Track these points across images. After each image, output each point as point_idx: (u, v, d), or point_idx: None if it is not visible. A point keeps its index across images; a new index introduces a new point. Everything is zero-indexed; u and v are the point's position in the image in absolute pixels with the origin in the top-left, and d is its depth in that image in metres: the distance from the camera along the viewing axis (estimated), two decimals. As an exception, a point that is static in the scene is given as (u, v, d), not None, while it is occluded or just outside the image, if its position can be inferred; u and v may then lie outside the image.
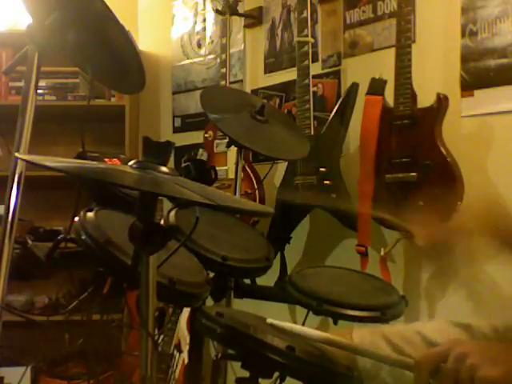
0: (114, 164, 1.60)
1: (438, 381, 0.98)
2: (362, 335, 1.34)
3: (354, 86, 2.33)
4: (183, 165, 1.81)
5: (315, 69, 2.52)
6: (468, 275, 1.23)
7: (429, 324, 1.39)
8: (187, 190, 0.95)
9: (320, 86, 2.60)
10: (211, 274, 1.52)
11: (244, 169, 2.57)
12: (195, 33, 3.28)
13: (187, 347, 2.43)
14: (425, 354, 1.03)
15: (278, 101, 2.80)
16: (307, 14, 2.41)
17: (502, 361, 0.96)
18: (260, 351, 1.03)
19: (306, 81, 2.39)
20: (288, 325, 1.10)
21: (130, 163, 1.00)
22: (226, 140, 1.98)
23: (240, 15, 2.93)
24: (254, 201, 2.52)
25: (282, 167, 2.54)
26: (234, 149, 2.05)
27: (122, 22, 1.37)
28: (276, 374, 1.08)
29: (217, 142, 2.84)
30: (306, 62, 2.40)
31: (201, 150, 3.08)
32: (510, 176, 2.04)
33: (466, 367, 0.95)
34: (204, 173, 1.78)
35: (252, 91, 2.91)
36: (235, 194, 2.05)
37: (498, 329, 1.25)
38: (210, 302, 1.50)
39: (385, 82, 2.16)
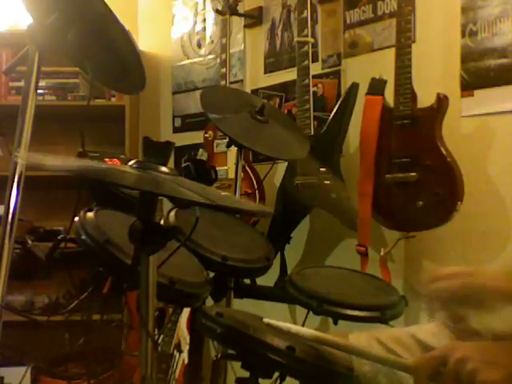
0: (114, 164, 1.60)
1: None
2: (357, 339, 1.34)
3: (354, 86, 2.33)
4: (183, 165, 1.81)
5: (315, 69, 2.52)
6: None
7: (423, 327, 1.39)
8: (187, 189, 0.95)
9: (320, 85, 2.60)
10: (211, 274, 1.52)
11: (244, 169, 2.57)
12: (195, 33, 3.28)
13: (187, 347, 2.43)
14: (424, 356, 1.03)
15: (277, 101, 2.80)
16: (307, 14, 2.41)
17: (501, 364, 0.96)
18: (260, 351, 1.03)
19: (306, 81, 2.39)
20: (284, 324, 1.10)
21: (130, 163, 1.00)
22: (226, 140, 1.98)
23: (240, 15, 2.93)
24: (254, 201, 2.52)
25: (282, 167, 2.54)
26: (234, 149, 2.05)
27: (122, 21, 1.37)
28: (276, 374, 1.08)
29: (217, 141, 2.84)
30: (306, 62, 2.40)
31: (201, 149, 3.08)
32: (510, 176, 2.04)
33: (466, 371, 0.94)
34: (204, 173, 1.78)
35: (252, 91, 2.91)
36: (235, 193, 2.05)
37: (495, 330, 1.25)
38: (210, 302, 1.50)
39: (385, 82, 2.16)
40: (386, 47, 2.36)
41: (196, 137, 3.07)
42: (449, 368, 0.96)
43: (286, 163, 2.49)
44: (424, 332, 1.33)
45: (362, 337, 1.35)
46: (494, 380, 0.93)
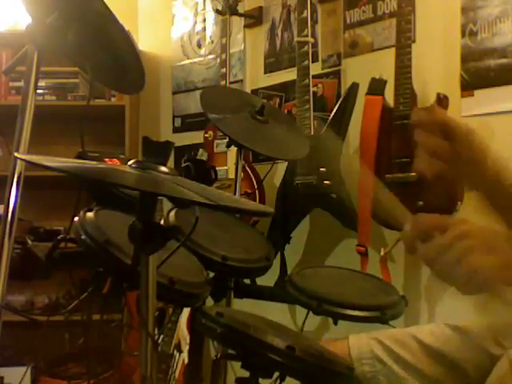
0: (114, 164, 1.60)
1: (424, 247, 0.90)
2: (357, 340, 1.34)
3: (354, 86, 2.33)
4: (183, 165, 1.81)
5: (315, 69, 2.52)
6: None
7: (424, 328, 1.39)
8: (187, 189, 0.95)
9: (320, 85, 2.60)
10: (211, 274, 1.52)
11: (244, 169, 2.57)
12: (195, 33, 3.28)
13: (187, 347, 2.42)
14: (428, 216, 0.93)
15: (278, 101, 2.80)
16: (307, 14, 2.41)
17: (499, 251, 0.86)
18: (260, 351, 1.03)
19: (306, 81, 2.39)
20: None
21: (130, 163, 1.00)
22: (226, 140, 1.98)
23: (240, 15, 2.93)
24: (254, 201, 2.52)
25: (282, 167, 2.54)
26: (234, 149, 2.05)
27: (121, 21, 1.37)
28: (276, 374, 1.08)
29: (217, 142, 2.84)
30: (306, 62, 2.40)
31: (201, 150, 3.08)
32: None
33: (460, 246, 0.85)
34: (204, 173, 1.78)
35: (252, 91, 2.91)
36: (235, 193, 2.04)
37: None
38: (210, 302, 1.50)
39: (385, 82, 2.16)
40: (386, 47, 2.36)
41: (196, 137, 3.07)
42: (445, 236, 0.87)
43: (286, 163, 2.49)
44: (424, 332, 1.33)
45: (361, 338, 1.35)
46: (481, 265, 0.84)
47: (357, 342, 1.34)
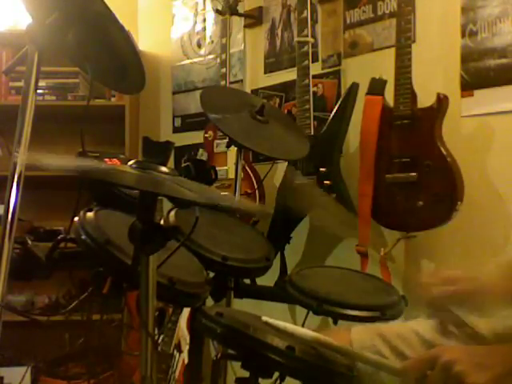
0: (114, 164, 1.59)
1: None
2: (360, 334, 1.34)
3: (354, 86, 2.33)
4: (183, 165, 1.81)
5: (315, 69, 2.52)
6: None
7: (425, 323, 1.38)
8: (187, 190, 0.95)
9: (320, 85, 2.60)
10: (211, 274, 1.52)
11: (244, 169, 2.57)
12: (195, 33, 3.28)
13: (187, 347, 2.43)
14: (412, 360, 1.03)
15: (278, 101, 2.80)
16: (307, 13, 2.41)
17: (488, 366, 0.96)
18: (260, 351, 1.03)
19: (306, 81, 2.39)
20: (282, 324, 1.09)
21: (130, 163, 1.00)
22: (226, 140, 1.98)
23: (240, 15, 2.93)
24: (254, 201, 2.52)
25: (281, 167, 2.54)
26: (234, 149, 2.05)
27: (121, 22, 1.37)
28: (276, 374, 1.08)
29: (217, 142, 2.84)
30: (306, 62, 2.40)
31: (201, 150, 3.08)
32: (510, 176, 2.04)
33: (453, 374, 0.94)
34: (204, 173, 1.78)
35: (252, 91, 2.91)
36: (235, 193, 2.04)
37: (497, 330, 1.25)
38: (210, 302, 1.50)
39: (385, 82, 2.16)
40: (386, 47, 2.36)
41: (196, 137, 3.07)
42: (436, 370, 0.96)
43: (286, 163, 2.49)
44: (427, 329, 1.32)
45: (363, 332, 1.35)
46: (481, 382, 0.93)
47: (359, 337, 1.33)
